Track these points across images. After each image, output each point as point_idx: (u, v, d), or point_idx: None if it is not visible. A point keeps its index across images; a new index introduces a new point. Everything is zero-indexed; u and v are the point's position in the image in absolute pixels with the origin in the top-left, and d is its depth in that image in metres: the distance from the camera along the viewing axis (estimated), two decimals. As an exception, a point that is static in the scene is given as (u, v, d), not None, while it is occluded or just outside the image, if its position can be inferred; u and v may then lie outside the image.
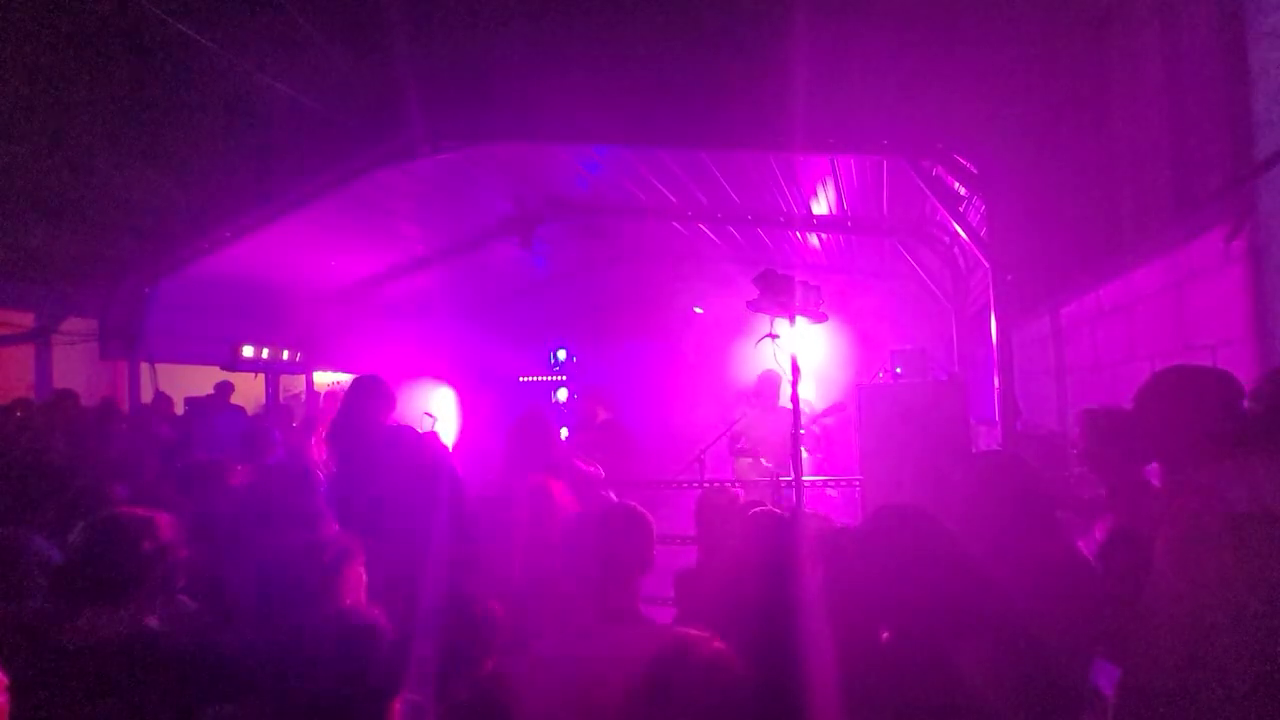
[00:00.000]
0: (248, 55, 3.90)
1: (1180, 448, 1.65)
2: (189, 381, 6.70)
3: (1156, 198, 3.02)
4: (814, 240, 6.82)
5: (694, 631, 1.39)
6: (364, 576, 1.63)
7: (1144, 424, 1.78)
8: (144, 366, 5.68)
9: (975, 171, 3.63)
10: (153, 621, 1.72)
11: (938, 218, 5.09)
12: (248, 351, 5.55)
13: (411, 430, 3.86)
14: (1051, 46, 3.57)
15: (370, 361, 8.52)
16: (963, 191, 3.78)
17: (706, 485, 4.92)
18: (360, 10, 3.77)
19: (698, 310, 9.76)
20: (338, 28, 3.90)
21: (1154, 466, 2.10)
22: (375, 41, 3.89)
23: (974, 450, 4.65)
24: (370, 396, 3.76)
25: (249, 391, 7.81)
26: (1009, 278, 3.63)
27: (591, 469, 4.57)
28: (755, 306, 4.35)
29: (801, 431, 3.92)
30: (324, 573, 1.59)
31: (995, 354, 3.64)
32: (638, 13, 4.20)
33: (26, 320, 5.38)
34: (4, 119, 4.25)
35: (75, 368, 5.71)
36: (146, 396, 5.65)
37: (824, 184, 5.20)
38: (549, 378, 9.74)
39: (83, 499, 2.60)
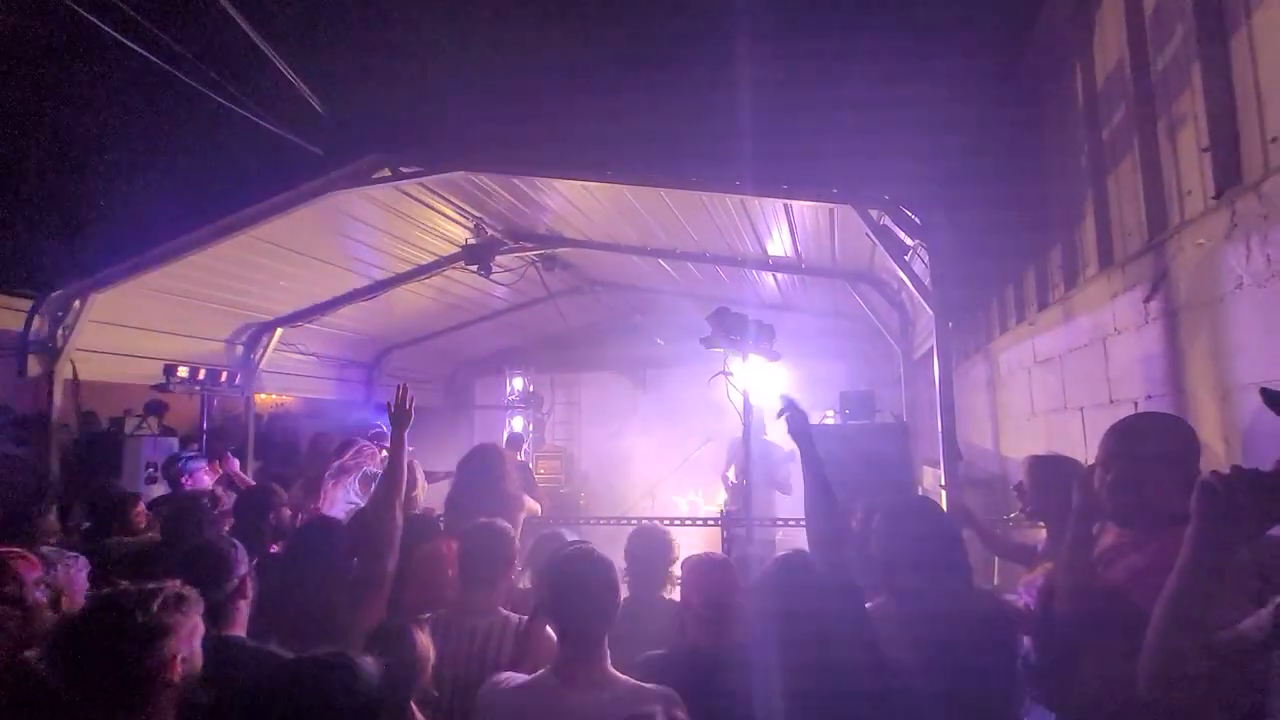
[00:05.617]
0: (214, 73, 3.84)
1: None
2: (118, 400, 6.36)
3: (1083, 256, 3.20)
4: (770, 280, 6.97)
5: None
6: (201, 627, 1.57)
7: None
8: (66, 383, 5.35)
9: (919, 222, 3.78)
10: None
11: (887, 263, 5.28)
12: (183, 372, 5.29)
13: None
14: (988, 110, 3.80)
15: (318, 385, 8.27)
16: (909, 241, 3.92)
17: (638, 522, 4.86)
18: (324, 45, 3.80)
19: (660, 342, 9.80)
20: (299, 55, 3.91)
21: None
22: (337, 73, 3.91)
23: (920, 492, 4.75)
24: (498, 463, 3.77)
25: (184, 412, 7.47)
26: (949, 324, 3.76)
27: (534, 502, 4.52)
28: (709, 343, 4.39)
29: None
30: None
31: (938, 398, 3.75)
32: (599, 53, 4.31)
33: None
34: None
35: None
36: (67, 414, 5.33)
37: (779, 226, 5.34)
38: (505, 407, 9.62)
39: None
